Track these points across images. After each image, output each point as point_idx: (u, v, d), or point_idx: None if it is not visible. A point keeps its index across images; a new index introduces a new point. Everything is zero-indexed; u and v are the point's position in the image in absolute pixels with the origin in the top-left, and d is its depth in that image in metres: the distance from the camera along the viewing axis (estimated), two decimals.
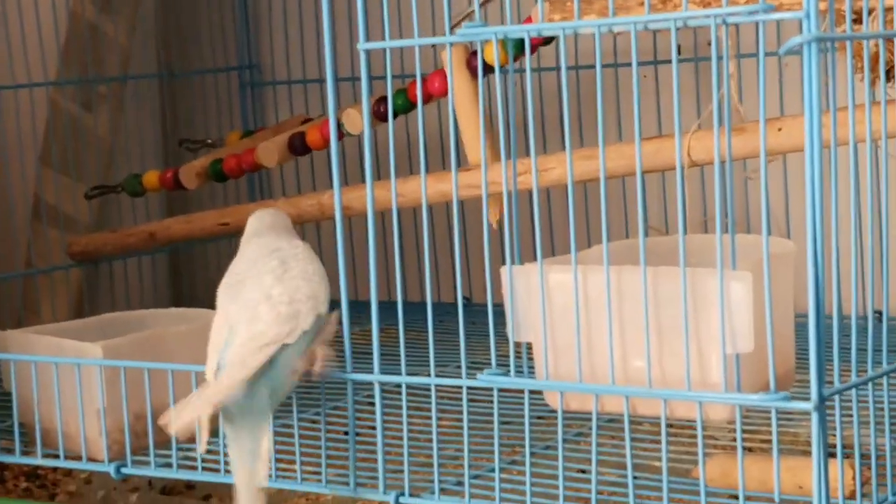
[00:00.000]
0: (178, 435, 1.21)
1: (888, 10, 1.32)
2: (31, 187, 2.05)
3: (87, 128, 2.07)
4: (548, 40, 1.62)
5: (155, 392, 1.37)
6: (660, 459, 1.21)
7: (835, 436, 1.12)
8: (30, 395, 1.45)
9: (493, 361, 1.21)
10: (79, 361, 1.41)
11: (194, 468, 1.36)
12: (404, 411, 1.26)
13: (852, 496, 1.13)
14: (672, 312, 1.15)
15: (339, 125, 1.73)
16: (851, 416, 1.13)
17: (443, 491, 1.25)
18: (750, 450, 1.34)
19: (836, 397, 1.08)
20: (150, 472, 1.38)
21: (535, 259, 1.22)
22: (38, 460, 1.45)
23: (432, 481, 1.25)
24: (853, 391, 1.11)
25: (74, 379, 1.41)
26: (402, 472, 1.26)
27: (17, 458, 1.46)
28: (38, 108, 2.03)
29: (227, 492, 1.42)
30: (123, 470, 1.39)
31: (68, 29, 2.08)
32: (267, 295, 1.25)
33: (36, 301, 2.01)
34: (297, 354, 1.25)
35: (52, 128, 2.05)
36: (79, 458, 1.43)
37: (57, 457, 1.44)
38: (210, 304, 1.31)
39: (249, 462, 1.21)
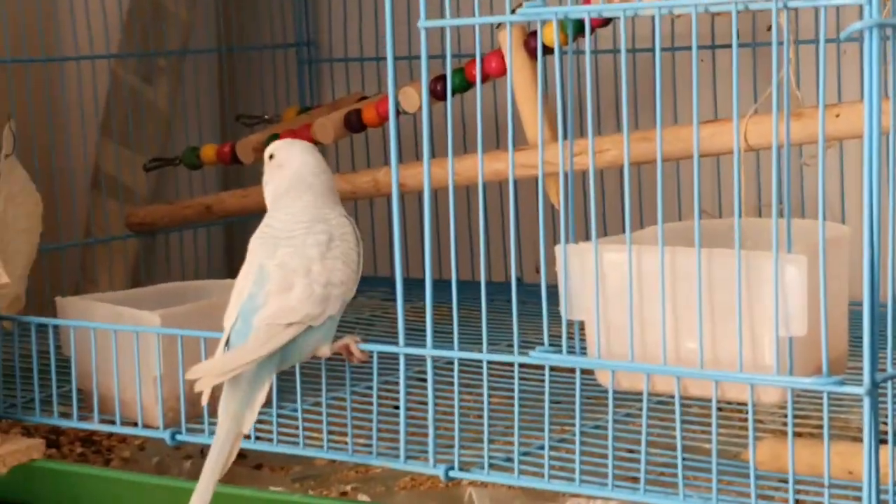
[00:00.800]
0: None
1: None
2: (91, 158, 2.08)
3: (146, 100, 2.09)
4: (605, 22, 1.62)
5: None
6: (709, 442, 1.22)
7: (886, 423, 1.12)
8: (88, 362, 1.48)
9: (546, 339, 1.22)
10: (137, 329, 1.43)
11: (247, 437, 1.38)
12: (456, 386, 1.27)
13: None
14: (725, 294, 1.16)
15: (396, 103, 1.74)
16: None
17: (492, 466, 1.26)
18: (799, 435, 1.34)
19: (889, 383, 1.08)
20: (205, 439, 1.40)
21: (585, 239, 1.23)
22: (95, 425, 1.48)
23: (482, 456, 1.26)
24: None
25: (132, 346, 1.43)
26: (452, 446, 1.27)
27: (74, 423, 1.49)
28: (100, 79, 2.06)
29: (278, 462, 1.44)
30: (178, 437, 1.42)
31: (131, 3, 2.10)
32: (307, 269, 1.25)
33: (94, 270, 2.04)
34: (318, 337, 1.26)
35: (113, 99, 2.08)
36: (134, 425, 1.46)
37: (113, 422, 1.46)
38: None
39: (240, 408, 1.23)
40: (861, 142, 1.03)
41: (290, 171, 1.34)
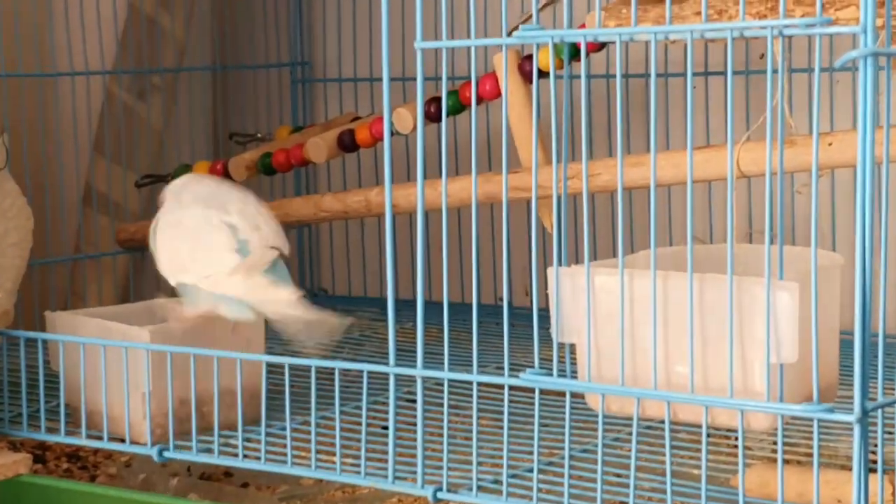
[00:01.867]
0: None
1: None
2: (83, 174, 2.08)
3: (140, 117, 2.09)
4: (600, 46, 1.63)
5: (200, 378, 1.39)
6: (697, 467, 1.22)
7: (874, 451, 1.12)
8: (76, 377, 1.47)
9: (536, 362, 1.22)
10: (126, 345, 1.43)
11: (235, 455, 1.38)
12: (445, 407, 1.27)
13: None
14: (716, 320, 1.16)
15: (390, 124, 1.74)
16: (893, 431, 1.13)
17: (480, 488, 1.26)
18: (788, 462, 1.34)
19: (879, 412, 1.08)
20: (192, 456, 1.40)
21: (576, 262, 1.23)
22: (83, 441, 1.47)
23: (470, 478, 1.26)
24: None
25: (121, 362, 1.43)
26: (440, 467, 1.27)
27: (61, 438, 1.49)
28: (94, 95, 2.06)
29: (265, 481, 1.44)
30: (166, 454, 1.41)
31: (126, 20, 2.10)
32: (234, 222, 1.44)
33: (83, 285, 2.03)
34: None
35: (107, 116, 2.08)
36: (122, 441, 1.46)
37: (100, 438, 1.46)
38: None
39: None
40: (852, 170, 1.04)
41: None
